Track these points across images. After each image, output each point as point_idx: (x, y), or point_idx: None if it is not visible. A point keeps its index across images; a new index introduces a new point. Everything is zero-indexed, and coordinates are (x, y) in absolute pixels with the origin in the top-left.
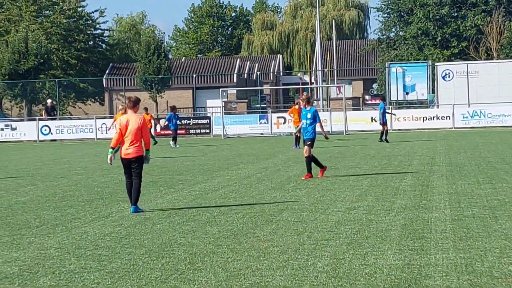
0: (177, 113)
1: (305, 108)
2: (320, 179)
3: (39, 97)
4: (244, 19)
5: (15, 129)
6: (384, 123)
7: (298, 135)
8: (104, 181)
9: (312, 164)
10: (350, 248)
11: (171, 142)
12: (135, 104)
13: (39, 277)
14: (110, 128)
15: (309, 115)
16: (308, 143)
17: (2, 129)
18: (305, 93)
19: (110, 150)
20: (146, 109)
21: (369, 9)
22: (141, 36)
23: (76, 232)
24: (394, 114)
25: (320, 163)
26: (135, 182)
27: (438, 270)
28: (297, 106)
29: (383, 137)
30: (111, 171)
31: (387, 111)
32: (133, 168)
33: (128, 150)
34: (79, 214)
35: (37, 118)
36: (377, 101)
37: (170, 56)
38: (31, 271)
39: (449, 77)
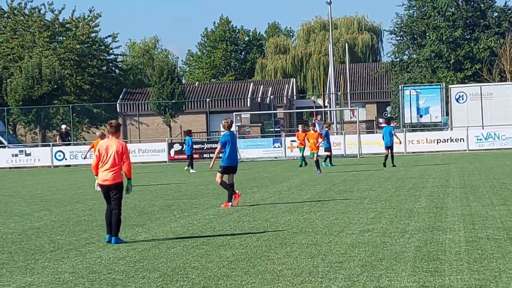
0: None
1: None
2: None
3: (53, 123)
4: (257, 43)
5: (29, 154)
6: (390, 147)
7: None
8: None
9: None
10: (364, 270)
11: (188, 168)
12: (116, 129)
13: None
14: (85, 156)
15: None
16: (220, 170)
17: (17, 155)
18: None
19: (95, 177)
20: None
21: (382, 32)
22: (154, 61)
23: (90, 257)
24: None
25: (231, 189)
26: (115, 213)
27: None
28: (311, 131)
29: (392, 162)
30: (124, 197)
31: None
32: (111, 195)
33: (106, 176)
34: (93, 238)
35: (51, 143)
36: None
37: (183, 81)
38: None
39: (462, 99)
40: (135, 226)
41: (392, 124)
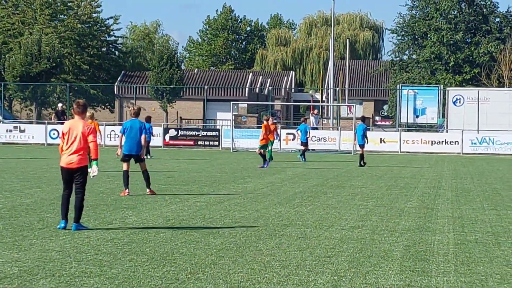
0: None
1: None
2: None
3: (49, 101)
4: (259, 34)
5: (23, 131)
6: (363, 145)
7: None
8: (109, 188)
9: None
10: (352, 266)
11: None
12: (84, 109)
13: (38, 279)
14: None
15: None
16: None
17: (11, 131)
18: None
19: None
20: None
21: (384, 30)
22: (155, 45)
23: (79, 237)
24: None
25: (127, 183)
26: (78, 197)
27: None
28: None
29: (361, 161)
30: (117, 178)
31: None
32: (75, 179)
33: (71, 159)
34: (83, 219)
35: (46, 121)
36: (387, 123)
37: (182, 67)
38: (31, 273)
39: (459, 102)
40: (126, 208)
41: (365, 123)
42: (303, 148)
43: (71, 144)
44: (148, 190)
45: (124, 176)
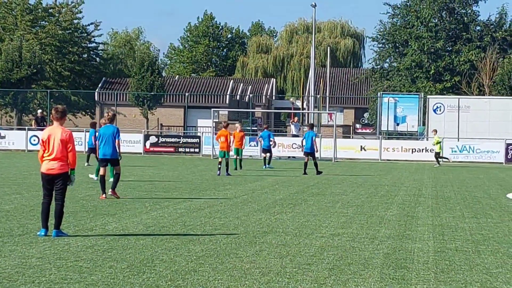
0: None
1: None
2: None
3: (30, 107)
4: (240, 41)
5: (3, 137)
6: (311, 153)
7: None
8: (89, 194)
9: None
10: (332, 273)
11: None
12: (62, 115)
13: (18, 285)
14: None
15: None
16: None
17: None
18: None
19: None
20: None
21: (365, 38)
22: (136, 52)
23: (59, 243)
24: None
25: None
26: (58, 204)
27: None
28: (237, 130)
29: (316, 168)
30: (97, 185)
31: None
32: (56, 186)
33: (52, 166)
34: (63, 225)
35: (26, 127)
36: (367, 130)
37: (163, 74)
38: (10, 279)
39: (440, 110)
40: (106, 215)
41: (314, 130)
42: (264, 155)
43: (51, 150)
44: (111, 191)
45: (101, 181)
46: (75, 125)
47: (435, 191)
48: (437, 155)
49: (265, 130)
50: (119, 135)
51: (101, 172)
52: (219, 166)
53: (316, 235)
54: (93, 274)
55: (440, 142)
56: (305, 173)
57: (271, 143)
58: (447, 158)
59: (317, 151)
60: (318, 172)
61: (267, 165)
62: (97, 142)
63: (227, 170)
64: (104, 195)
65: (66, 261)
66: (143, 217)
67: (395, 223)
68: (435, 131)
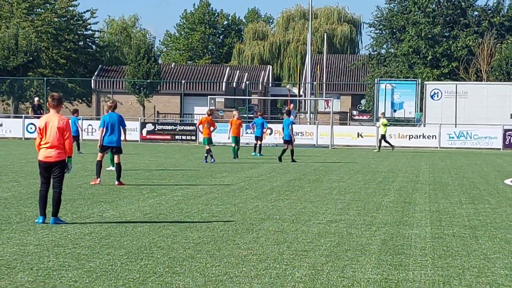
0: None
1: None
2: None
3: (26, 95)
4: (236, 28)
5: (0, 125)
6: (289, 141)
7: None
8: (87, 182)
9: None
10: (329, 260)
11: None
12: (59, 102)
13: (17, 273)
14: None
15: None
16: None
17: None
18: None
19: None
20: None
21: (362, 24)
22: (132, 40)
23: (56, 230)
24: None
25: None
26: (55, 191)
27: (416, 286)
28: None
29: (292, 156)
30: (94, 172)
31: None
32: (53, 173)
33: (49, 153)
34: (61, 212)
35: (23, 115)
36: (364, 117)
37: (160, 61)
38: (9, 266)
39: (437, 96)
40: (103, 202)
41: (291, 117)
42: (256, 142)
43: (48, 138)
44: (117, 182)
45: (98, 165)
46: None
47: (432, 177)
48: (383, 138)
49: (259, 117)
50: (124, 123)
51: (99, 157)
52: (206, 154)
53: (313, 222)
54: (91, 261)
55: (386, 125)
56: (280, 160)
57: (265, 130)
58: (392, 146)
59: (294, 140)
60: (293, 160)
61: (258, 154)
62: (102, 129)
63: (211, 156)
64: (98, 180)
65: (64, 248)
66: (140, 204)
67: (392, 210)
68: (383, 114)
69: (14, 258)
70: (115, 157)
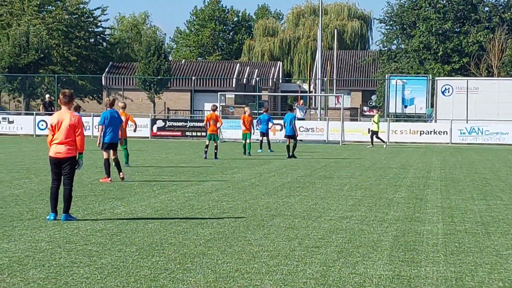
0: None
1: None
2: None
3: (38, 92)
4: (246, 24)
5: (12, 122)
6: (292, 136)
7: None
8: (97, 178)
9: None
10: (341, 256)
11: None
12: (70, 99)
13: (28, 269)
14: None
15: None
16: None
17: None
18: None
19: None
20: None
21: (372, 20)
22: (142, 36)
23: (68, 227)
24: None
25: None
26: (66, 188)
27: (428, 283)
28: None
29: (293, 151)
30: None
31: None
32: (64, 170)
33: (59, 149)
34: (72, 209)
35: (34, 112)
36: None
37: (170, 58)
38: (21, 263)
39: (448, 92)
40: (114, 199)
41: (294, 112)
42: (261, 139)
43: (59, 135)
44: (121, 174)
45: (106, 164)
46: (83, 109)
47: (444, 173)
48: (375, 135)
49: (264, 113)
50: (121, 119)
51: (105, 155)
52: (206, 149)
53: (325, 218)
54: (103, 257)
55: (378, 123)
56: (289, 157)
57: (271, 126)
58: (384, 142)
59: (297, 135)
60: (293, 155)
61: (269, 150)
62: (102, 127)
63: (215, 154)
64: (109, 178)
65: (76, 244)
66: (151, 200)
67: (404, 206)
68: (378, 110)
69: (26, 255)
70: (112, 152)
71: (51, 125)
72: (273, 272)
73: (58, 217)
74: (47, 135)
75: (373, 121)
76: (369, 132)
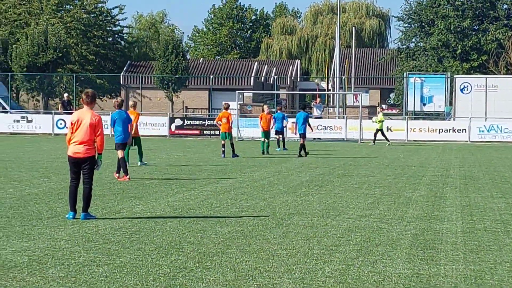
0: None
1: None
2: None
3: (56, 91)
4: (264, 22)
5: (30, 121)
6: (303, 134)
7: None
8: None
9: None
10: (360, 255)
11: None
12: (92, 99)
13: (48, 268)
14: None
15: None
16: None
17: (18, 121)
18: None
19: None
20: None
21: (390, 18)
22: (160, 35)
23: (87, 226)
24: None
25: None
26: (85, 187)
27: (447, 281)
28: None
29: (301, 151)
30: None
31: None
32: (83, 169)
33: (78, 149)
34: (90, 208)
35: (53, 111)
36: (393, 111)
37: (188, 56)
38: (40, 262)
39: (467, 90)
40: (133, 198)
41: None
42: (277, 137)
43: (79, 134)
44: (116, 175)
45: (122, 163)
46: (101, 108)
47: (463, 172)
48: (380, 131)
49: (279, 111)
50: (131, 119)
51: (120, 154)
52: (223, 149)
53: (343, 217)
54: (122, 256)
55: (382, 121)
56: (306, 154)
57: (285, 124)
58: (388, 140)
59: (312, 131)
60: (300, 155)
61: (283, 148)
62: (112, 129)
63: (233, 151)
64: (127, 177)
65: (95, 243)
66: (170, 199)
67: (423, 204)
68: (382, 108)
69: (45, 254)
70: (119, 152)
71: (71, 122)
72: (292, 270)
73: (77, 215)
74: (66, 134)
75: (378, 120)
76: (376, 131)
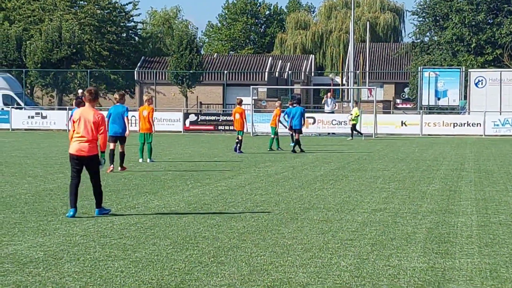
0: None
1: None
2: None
3: (70, 87)
4: (278, 17)
5: (45, 117)
6: (299, 130)
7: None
8: (131, 172)
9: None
10: (375, 249)
11: None
12: (95, 97)
13: (63, 263)
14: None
15: None
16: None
17: (33, 117)
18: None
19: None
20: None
21: (405, 12)
22: (174, 31)
23: (102, 221)
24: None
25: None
26: (94, 185)
27: (462, 275)
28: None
29: (299, 147)
30: (137, 163)
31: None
32: (88, 168)
33: (82, 147)
34: (106, 203)
35: (67, 107)
36: (408, 105)
37: (202, 52)
38: (56, 257)
39: (482, 84)
40: (148, 193)
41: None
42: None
43: (81, 132)
44: (120, 168)
45: (110, 154)
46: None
47: (477, 165)
48: (353, 128)
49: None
50: (127, 113)
51: (111, 146)
52: (239, 144)
53: (358, 211)
54: (137, 251)
55: (357, 116)
56: (302, 151)
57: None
58: (361, 134)
59: (306, 126)
60: (294, 151)
61: (292, 143)
62: (107, 121)
63: (240, 147)
64: (111, 167)
65: (110, 238)
66: (184, 194)
67: (437, 198)
68: (356, 103)
69: (61, 249)
70: (120, 146)
71: (73, 120)
72: (307, 265)
73: (76, 215)
74: (69, 131)
75: (354, 115)
76: (352, 126)
